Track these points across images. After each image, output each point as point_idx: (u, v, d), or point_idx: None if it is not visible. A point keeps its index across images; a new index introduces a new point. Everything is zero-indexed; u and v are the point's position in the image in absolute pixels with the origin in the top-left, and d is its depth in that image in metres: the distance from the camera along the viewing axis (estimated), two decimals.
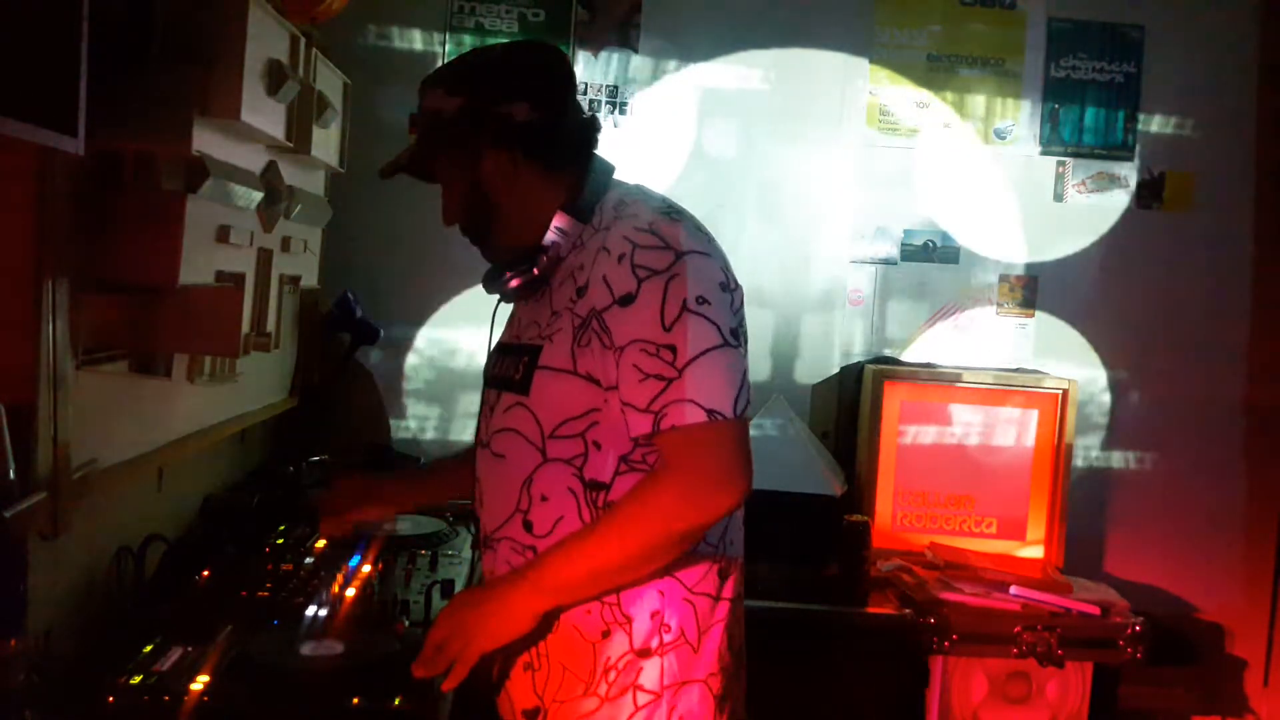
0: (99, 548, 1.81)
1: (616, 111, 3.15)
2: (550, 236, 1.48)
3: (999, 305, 3.31)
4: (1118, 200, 3.32)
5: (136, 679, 1.50)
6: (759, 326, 3.17)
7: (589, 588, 1.43)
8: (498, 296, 1.57)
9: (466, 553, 2.26)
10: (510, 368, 1.51)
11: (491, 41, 3.02)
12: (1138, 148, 3.31)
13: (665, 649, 1.45)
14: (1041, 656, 2.51)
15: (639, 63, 3.17)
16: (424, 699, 1.49)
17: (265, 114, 1.89)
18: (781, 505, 2.57)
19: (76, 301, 1.54)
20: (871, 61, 3.24)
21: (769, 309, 3.22)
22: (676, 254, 1.39)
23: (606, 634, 1.45)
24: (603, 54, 3.15)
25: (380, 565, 2.05)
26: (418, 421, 3.17)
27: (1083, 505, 3.14)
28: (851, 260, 3.26)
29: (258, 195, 1.97)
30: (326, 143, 2.42)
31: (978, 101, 3.27)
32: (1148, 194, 3.32)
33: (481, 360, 1.65)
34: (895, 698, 2.58)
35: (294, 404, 2.82)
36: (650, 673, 1.44)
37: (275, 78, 1.89)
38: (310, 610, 1.72)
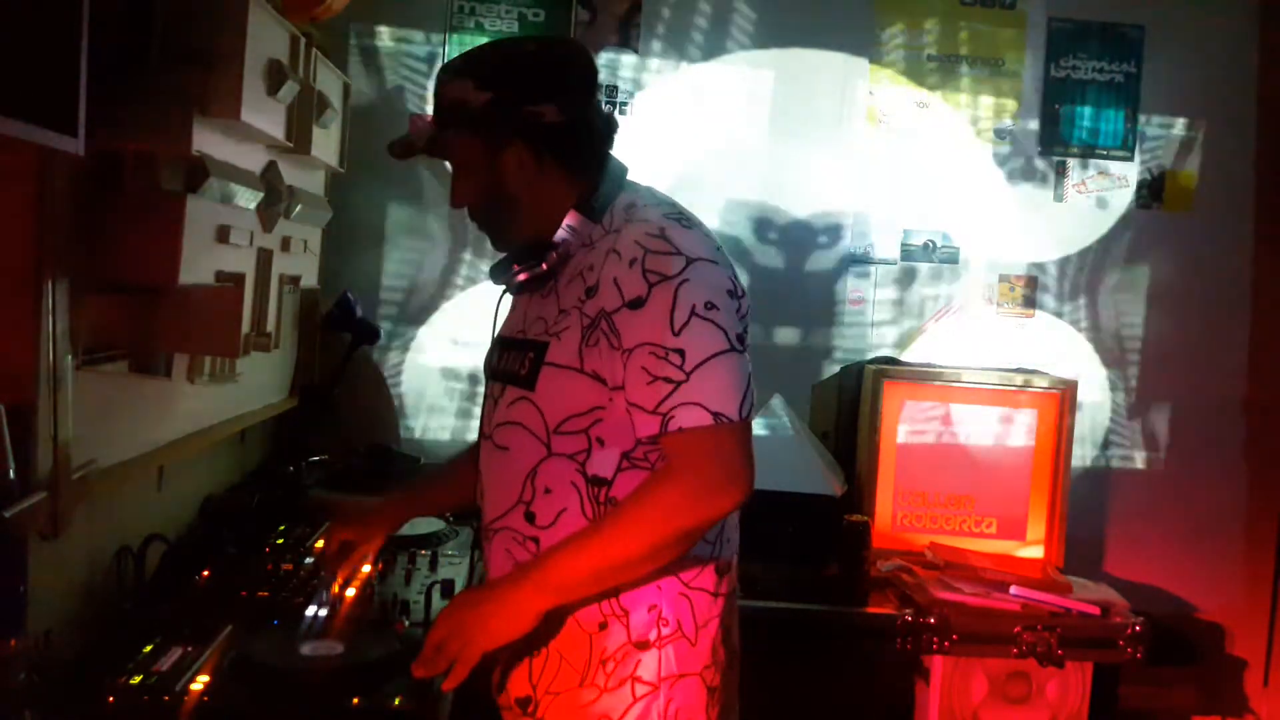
0: (99, 548, 1.81)
1: (616, 111, 3.15)
2: (561, 234, 1.50)
3: (999, 305, 3.31)
4: (1118, 200, 3.32)
5: (136, 679, 1.50)
6: (759, 326, 3.17)
7: (591, 586, 1.44)
8: (502, 288, 1.58)
9: (467, 553, 2.26)
10: (515, 362, 1.52)
11: None
12: (1137, 148, 3.31)
13: (663, 641, 1.47)
14: (1041, 656, 2.51)
15: (639, 63, 3.18)
16: (424, 699, 1.50)
17: (265, 114, 1.89)
18: (781, 505, 2.57)
19: (76, 301, 1.54)
20: (871, 61, 3.24)
21: (769, 309, 3.22)
22: (687, 260, 1.41)
23: (604, 626, 1.47)
24: (603, 54, 3.15)
25: (380, 565, 2.05)
26: (417, 421, 3.18)
27: (1083, 505, 3.13)
28: (851, 260, 3.27)
29: (258, 195, 1.97)
30: (326, 143, 2.42)
31: (978, 101, 3.27)
32: (1148, 194, 3.32)
33: (481, 360, 1.65)
34: (895, 698, 2.58)
35: (294, 404, 2.82)
36: (648, 665, 1.47)
37: (275, 78, 1.89)
38: (310, 610, 1.72)
